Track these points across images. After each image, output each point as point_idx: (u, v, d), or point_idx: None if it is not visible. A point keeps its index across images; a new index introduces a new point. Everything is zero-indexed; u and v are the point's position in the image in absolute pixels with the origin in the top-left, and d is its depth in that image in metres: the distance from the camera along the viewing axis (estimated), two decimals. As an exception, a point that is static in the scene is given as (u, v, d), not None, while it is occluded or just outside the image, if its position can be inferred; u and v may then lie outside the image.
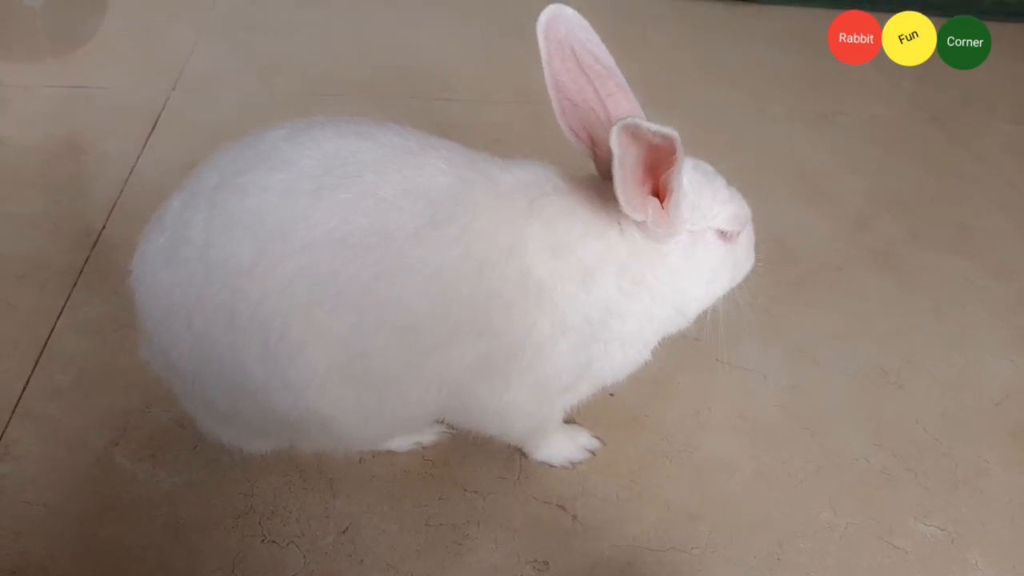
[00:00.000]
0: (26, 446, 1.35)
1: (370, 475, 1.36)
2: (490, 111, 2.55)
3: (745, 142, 2.55)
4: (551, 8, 1.08)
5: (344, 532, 1.27)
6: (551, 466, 1.40)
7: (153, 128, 2.25)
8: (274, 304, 1.03)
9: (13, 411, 1.40)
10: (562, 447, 1.41)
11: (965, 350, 1.79)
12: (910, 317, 1.87)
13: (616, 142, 0.96)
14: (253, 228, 1.03)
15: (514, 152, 2.37)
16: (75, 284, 1.68)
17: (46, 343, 1.54)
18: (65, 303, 1.63)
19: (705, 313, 1.26)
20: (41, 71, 2.59)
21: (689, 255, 1.15)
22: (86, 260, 1.75)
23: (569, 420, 1.43)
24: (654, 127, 0.94)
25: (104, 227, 1.85)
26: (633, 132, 0.96)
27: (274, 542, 1.25)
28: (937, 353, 1.77)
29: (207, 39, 2.82)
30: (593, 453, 1.44)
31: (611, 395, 1.48)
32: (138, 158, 2.11)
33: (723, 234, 1.17)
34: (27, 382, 1.46)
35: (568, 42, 1.10)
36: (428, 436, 1.42)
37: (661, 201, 1.08)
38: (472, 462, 1.40)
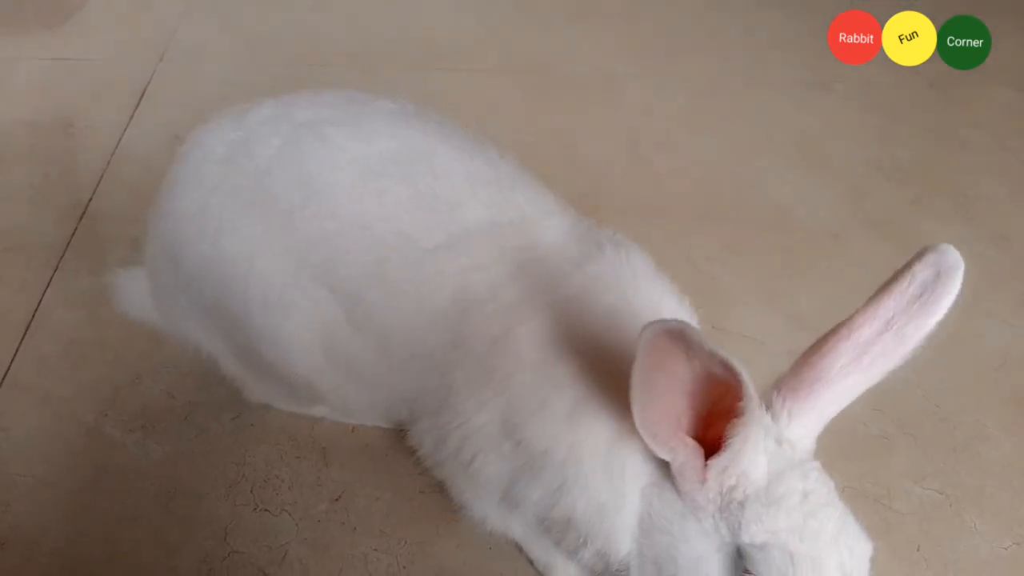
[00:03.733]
0: (15, 418, 1.34)
1: (363, 444, 1.35)
2: (482, 80, 2.52)
3: (744, 111, 2.52)
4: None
5: (337, 500, 1.26)
6: None
7: (140, 100, 2.22)
8: (287, 263, 1.03)
9: (1, 383, 1.39)
10: (567, 570, 1.15)
11: (965, 316, 1.74)
12: (909, 283, 1.85)
13: (644, 345, 0.72)
14: (310, 178, 1.03)
15: (510, 123, 2.35)
16: (63, 256, 1.66)
17: (34, 315, 1.52)
18: (53, 275, 1.61)
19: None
20: (27, 43, 2.55)
21: (690, 540, 0.82)
22: (73, 232, 1.73)
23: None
24: (712, 346, 0.70)
25: (91, 199, 1.82)
26: (677, 336, 0.71)
27: (266, 510, 1.24)
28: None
29: (194, 10, 2.77)
30: None
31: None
32: (125, 130, 2.08)
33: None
34: (15, 353, 1.44)
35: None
36: None
37: (707, 452, 0.79)
38: (466, 430, 1.38)
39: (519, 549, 1.20)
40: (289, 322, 1.06)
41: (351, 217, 1.01)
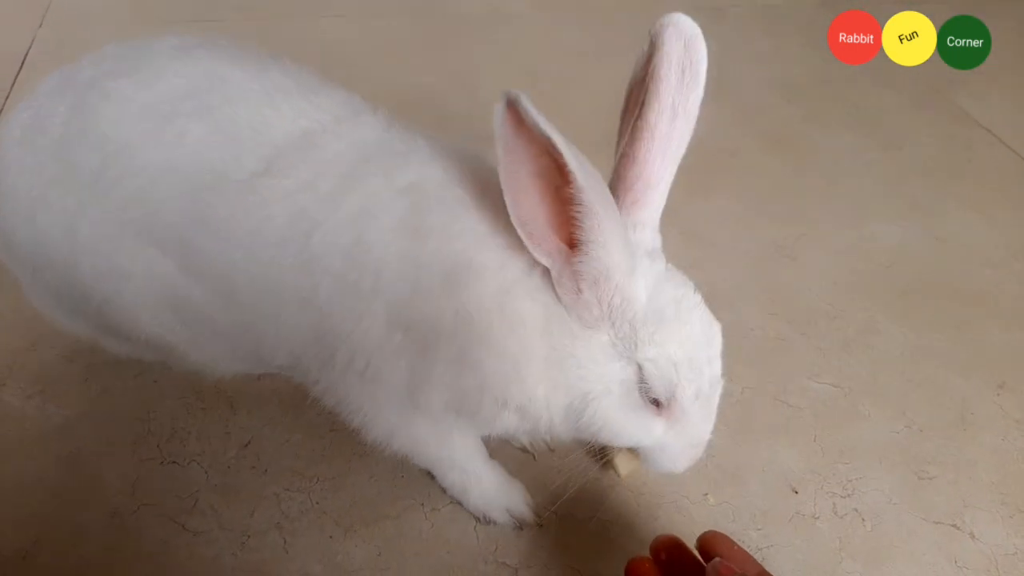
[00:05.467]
0: (-96, 395, 1.30)
1: (270, 390, 1.34)
2: (378, 24, 2.48)
3: (640, 40, 2.53)
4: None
5: (246, 446, 1.26)
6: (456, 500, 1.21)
7: (20, 70, 2.13)
8: (108, 228, 1.00)
9: None
10: (481, 491, 1.19)
11: (856, 220, 1.84)
12: (804, 194, 1.91)
13: (498, 121, 0.74)
14: (105, 139, 0.98)
15: (409, 65, 2.31)
16: (-55, 231, 1.59)
17: (-82, 292, 1.47)
18: (-65, 251, 1.55)
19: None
20: None
21: (598, 355, 0.87)
22: (-45, 206, 1.66)
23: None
24: (539, 117, 0.71)
25: (-27, 172, 1.75)
26: (513, 105, 0.72)
27: (175, 462, 1.23)
28: (830, 225, 1.81)
29: (74, -27, 2.65)
30: (516, 522, 1.20)
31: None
32: (6, 100, 1.99)
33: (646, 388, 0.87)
34: (-100, 332, 1.39)
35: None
36: None
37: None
38: (374, 367, 1.39)
39: (432, 476, 1.22)
40: (129, 287, 1.03)
41: (156, 167, 0.96)
